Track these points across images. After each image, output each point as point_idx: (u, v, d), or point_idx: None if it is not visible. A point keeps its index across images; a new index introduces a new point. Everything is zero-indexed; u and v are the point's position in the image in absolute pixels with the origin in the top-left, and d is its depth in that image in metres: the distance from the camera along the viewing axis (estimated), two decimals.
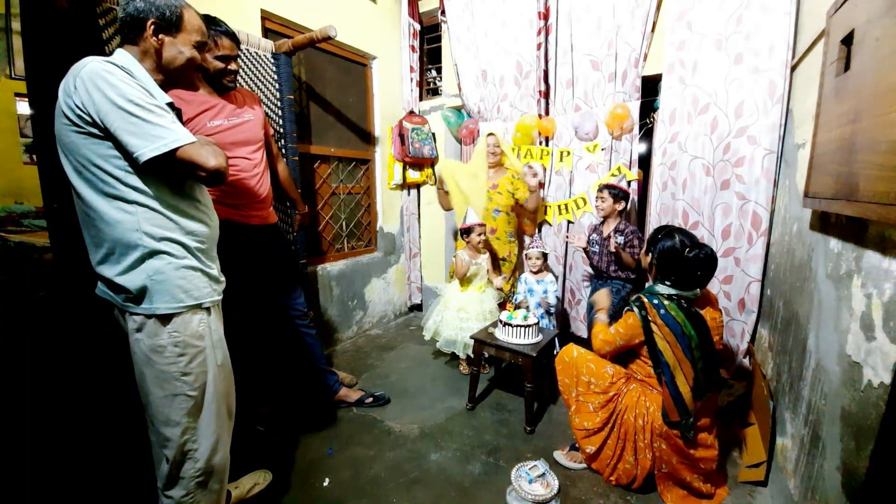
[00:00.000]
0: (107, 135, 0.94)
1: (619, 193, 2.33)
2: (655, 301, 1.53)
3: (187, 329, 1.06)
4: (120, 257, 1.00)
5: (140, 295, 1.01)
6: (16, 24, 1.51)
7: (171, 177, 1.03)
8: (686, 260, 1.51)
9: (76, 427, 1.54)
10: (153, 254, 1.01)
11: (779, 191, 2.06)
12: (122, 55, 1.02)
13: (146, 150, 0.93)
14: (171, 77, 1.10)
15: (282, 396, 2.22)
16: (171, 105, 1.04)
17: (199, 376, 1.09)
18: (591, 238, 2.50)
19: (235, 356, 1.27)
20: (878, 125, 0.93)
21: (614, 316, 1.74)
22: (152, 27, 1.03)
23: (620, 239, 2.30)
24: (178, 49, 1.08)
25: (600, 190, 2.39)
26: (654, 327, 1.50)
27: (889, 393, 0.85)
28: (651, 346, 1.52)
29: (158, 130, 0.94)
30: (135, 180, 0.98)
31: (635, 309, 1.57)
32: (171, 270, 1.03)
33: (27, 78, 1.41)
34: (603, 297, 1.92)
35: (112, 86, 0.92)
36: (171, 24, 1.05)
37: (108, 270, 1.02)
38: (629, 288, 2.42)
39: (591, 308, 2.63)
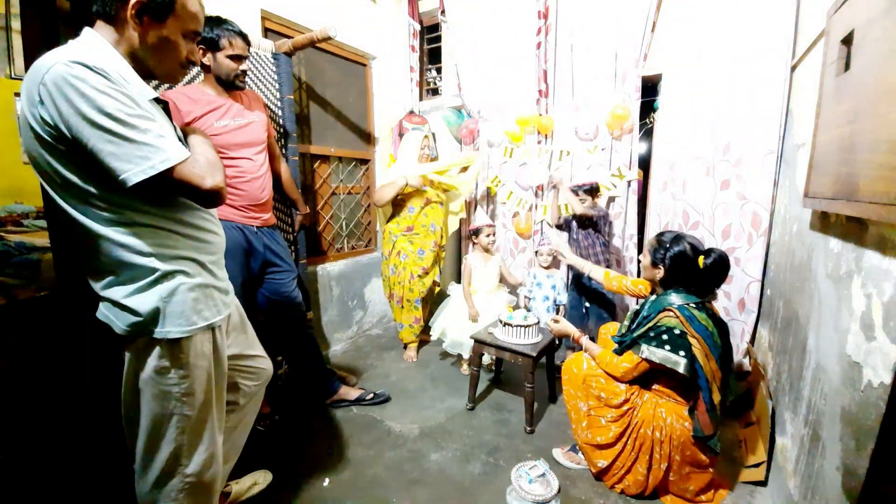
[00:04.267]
0: (87, 155, 0.79)
1: (591, 189, 2.42)
2: (686, 313, 1.42)
3: (194, 350, 0.98)
4: (128, 281, 0.91)
5: (151, 317, 0.91)
6: (16, 24, 1.51)
7: (165, 195, 0.92)
8: (700, 269, 1.45)
9: (85, 429, 1.54)
10: (166, 276, 0.92)
11: (779, 191, 2.06)
12: (92, 41, 0.85)
13: (131, 175, 0.80)
14: (150, 69, 0.93)
15: (282, 396, 2.22)
16: (156, 100, 0.93)
17: (200, 395, 1.01)
18: (569, 228, 2.52)
19: None
20: (878, 125, 0.93)
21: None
22: (136, 6, 0.84)
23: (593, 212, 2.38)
24: (163, 37, 0.90)
25: (576, 193, 2.44)
26: (692, 341, 1.40)
27: (889, 393, 0.85)
28: (692, 361, 1.41)
29: (144, 150, 0.81)
30: (133, 201, 0.87)
31: (670, 327, 1.44)
32: (184, 291, 0.95)
33: None
34: (566, 327, 1.87)
35: (84, 97, 0.76)
36: (161, 5, 0.87)
37: (114, 293, 0.91)
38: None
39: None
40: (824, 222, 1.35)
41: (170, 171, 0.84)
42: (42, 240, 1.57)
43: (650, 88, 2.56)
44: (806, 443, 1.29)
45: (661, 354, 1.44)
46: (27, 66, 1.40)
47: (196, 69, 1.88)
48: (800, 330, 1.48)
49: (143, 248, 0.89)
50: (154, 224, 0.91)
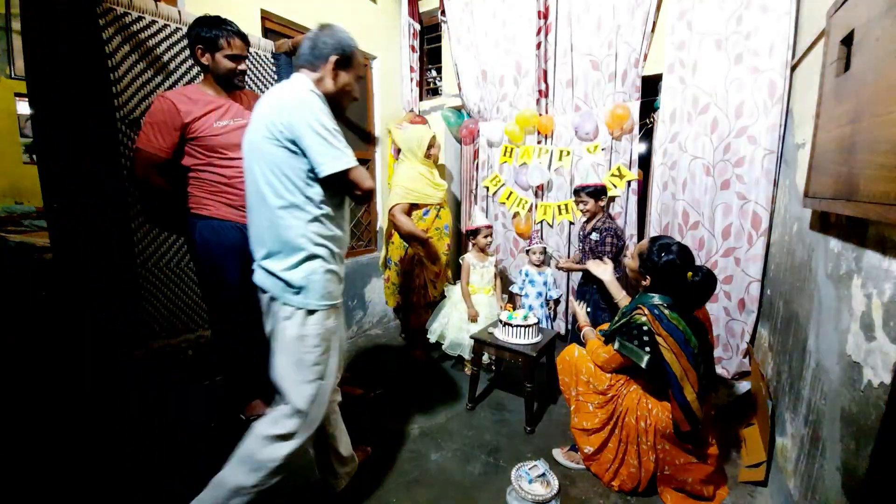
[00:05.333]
0: (298, 150, 1.11)
1: (594, 191, 2.33)
2: (657, 312, 1.47)
3: (326, 324, 1.21)
4: (286, 255, 1.16)
5: (299, 290, 1.16)
6: (16, 24, 1.51)
7: (335, 191, 1.19)
8: (686, 283, 1.50)
9: (86, 429, 1.54)
10: (312, 256, 1.17)
11: (779, 191, 2.06)
12: (306, 82, 1.18)
13: (327, 167, 1.10)
14: (334, 103, 1.24)
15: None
16: None
17: (327, 366, 1.23)
18: (579, 235, 2.51)
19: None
20: (878, 125, 0.93)
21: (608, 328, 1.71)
22: (335, 62, 1.21)
23: (596, 236, 2.30)
24: (347, 82, 1.25)
25: (577, 194, 2.40)
26: (658, 339, 1.45)
27: (889, 393, 0.85)
28: (658, 358, 1.47)
29: (337, 152, 1.12)
30: (311, 191, 1.15)
31: (638, 322, 1.50)
32: (321, 272, 1.18)
33: (27, 78, 1.41)
34: (580, 313, 1.97)
35: (312, 112, 1.11)
36: (347, 60, 1.23)
37: (273, 265, 1.17)
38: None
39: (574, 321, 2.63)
40: (824, 222, 1.35)
41: (348, 170, 1.13)
42: (42, 240, 1.57)
43: (650, 88, 2.56)
44: (806, 443, 1.29)
45: (629, 347, 1.52)
46: (27, 66, 1.40)
47: (195, 69, 1.88)
48: (800, 330, 1.48)
49: (303, 231, 1.15)
50: (317, 214, 1.16)
